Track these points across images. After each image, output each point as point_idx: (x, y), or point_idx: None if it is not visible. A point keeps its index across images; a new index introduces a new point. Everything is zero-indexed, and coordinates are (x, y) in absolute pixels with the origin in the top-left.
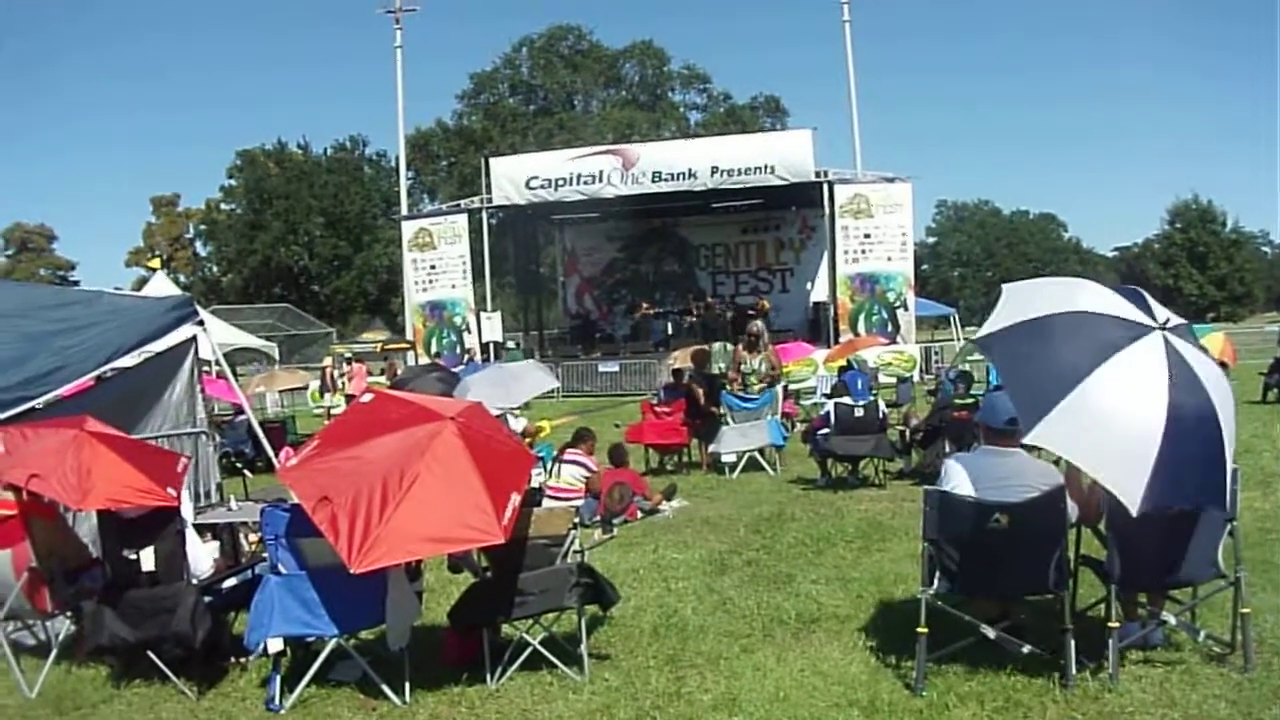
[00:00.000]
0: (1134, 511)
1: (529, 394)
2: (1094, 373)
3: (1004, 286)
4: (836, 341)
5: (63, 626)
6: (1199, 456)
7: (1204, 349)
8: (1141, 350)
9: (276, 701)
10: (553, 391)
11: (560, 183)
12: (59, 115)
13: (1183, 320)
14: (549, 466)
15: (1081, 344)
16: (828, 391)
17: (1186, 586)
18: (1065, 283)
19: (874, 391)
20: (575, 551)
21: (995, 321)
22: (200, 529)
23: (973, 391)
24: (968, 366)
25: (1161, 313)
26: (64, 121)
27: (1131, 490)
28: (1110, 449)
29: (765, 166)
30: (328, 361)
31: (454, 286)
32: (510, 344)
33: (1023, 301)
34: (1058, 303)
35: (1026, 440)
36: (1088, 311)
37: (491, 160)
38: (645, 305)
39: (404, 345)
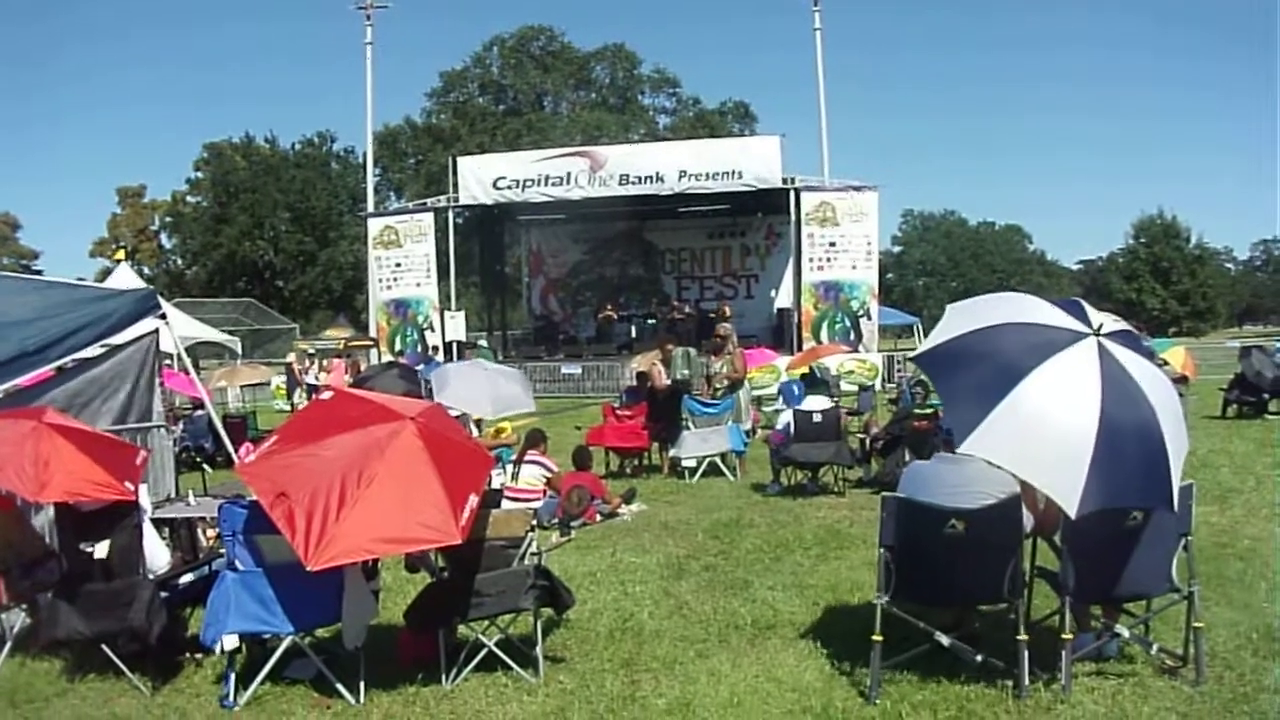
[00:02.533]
0: (1072, 514)
1: (509, 409)
2: (1024, 379)
3: (948, 306)
4: (799, 348)
5: (17, 619)
6: (1138, 457)
7: (1152, 354)
8: (1073, 355)
9: (231, 698)
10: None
11: (527, 183)
12: (25, 103)
13: (1126, 327)
14: (507, 469)
15: (1013, 354)
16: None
17: (1140, 599)
18: (1002, 298)
19: (834, 397)
20: (533, 554)
21: (932, 339)
22: (155, 524)
23: (931, 401)
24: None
25: (1098, 319)
26: (30, 109)
27: (1067, 494)
28: (1044, 454)
29: (733, 172)
30: (292, 358)
31: (419, 285)
32: (481, 342)
33: (959, 318)
34: (990, 316)
35: (961, 450)
36: (1019, 322)
37: (459, 159)
38: (609, 308)
39: (367, 342)
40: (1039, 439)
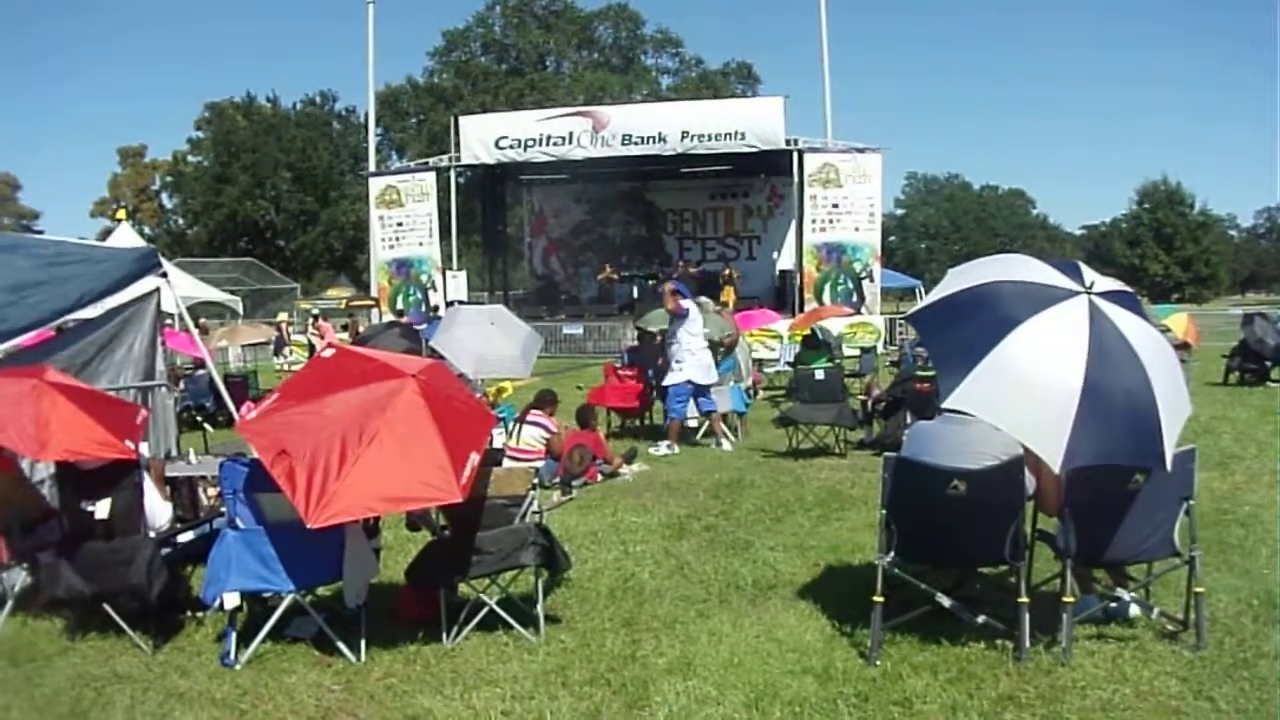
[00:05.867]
0: (1056, 468)
1: (492, 373)
2: (1010, 334)
3: (949, 270)
4: (801, 310)
5: (18, 578)
6: (1127, 415)
7: (1147, 316)
8: (1062, 311)
9: (232, 656)
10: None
11: (530, 143)
12: (26, 62)
13: (1123, 288)
14: (510, 427)
15: (1001, 310)
16: (790, 360)
17: (1141, 563)
18: (998, 259)
19: (836, 359)
20: (534, 512)
21: (926, 299)
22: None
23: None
24: (919, 335)
25: (1091, 277)
26: (31, 69)
27: (1052, 447)
28: (1028, 408)
29: (735, 133)
30: (282, 317)
31: (421, 244)
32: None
33: (954, 279)
34: (983, 275)
35: (946, 405)
36: (1010, 280)
37: (461, 119)
38: (610, 269)
39: (369, 302)
40: (1023, 393)
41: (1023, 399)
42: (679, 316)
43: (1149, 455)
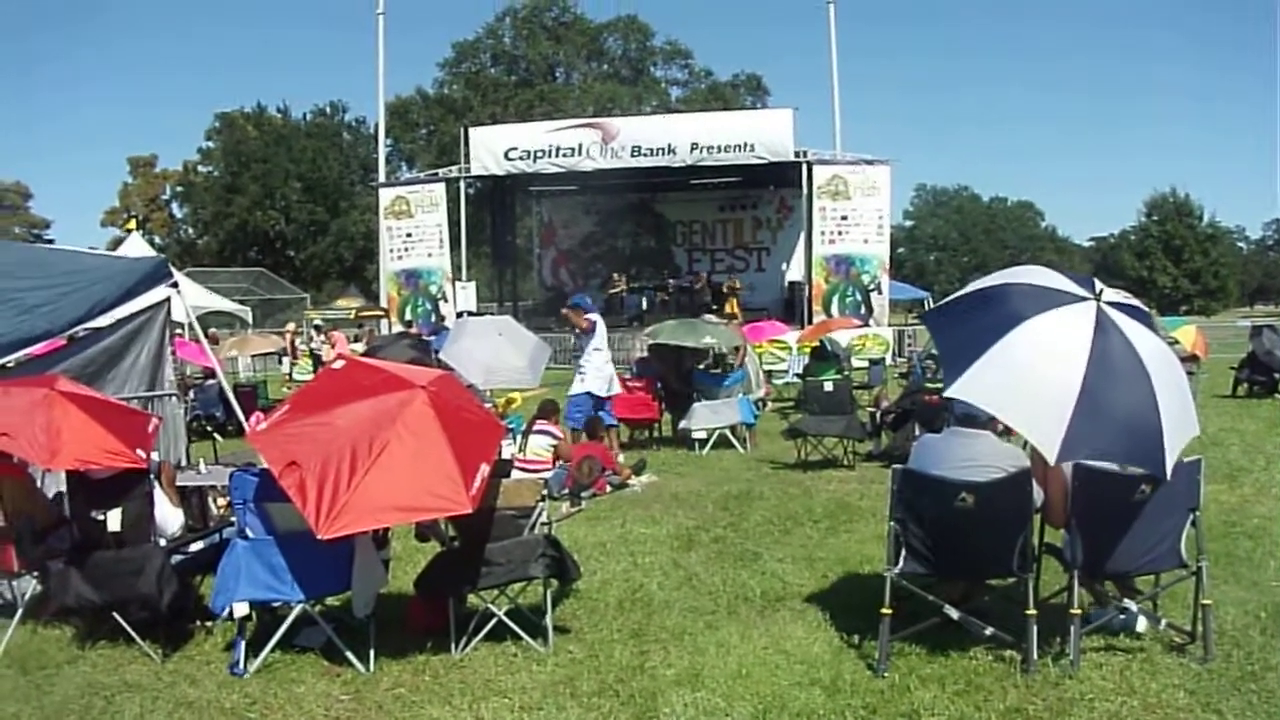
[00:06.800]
0: (1051, 461)
1: (501, 383)
2: (1014, 330)
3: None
4: (810, 322)
5: (29, 586)
6: (1127, 418)
7: (1157, 331)
8: (1069, 313)
9: (241, 666)
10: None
11: (539, 154)
12: (37, 71)
13: (1135, 302)
14: (518, 439)
15: (1008, 307)
16: (799, 372)
17: (1148, 574)
18: (1018, 268)
19: (845, 371)
20: (543, 524)
21: (942, 301)
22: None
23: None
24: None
25: (1100, 287)
26: (42, 78)
27: (1049, 440)
28: (1027, 400)
29: (745, 145)
30: (290, 327)
31: (430, 255)
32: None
33: (970, 286)
34: (996, 281)
35: (947, 394)
36: (1023, 283)
37: (471, 130)
38: (617, 279)
39: (379, 312)
40: (1022, 385)
41: (1022, 391)
42: (588, 332)
43: (1149, 460)
